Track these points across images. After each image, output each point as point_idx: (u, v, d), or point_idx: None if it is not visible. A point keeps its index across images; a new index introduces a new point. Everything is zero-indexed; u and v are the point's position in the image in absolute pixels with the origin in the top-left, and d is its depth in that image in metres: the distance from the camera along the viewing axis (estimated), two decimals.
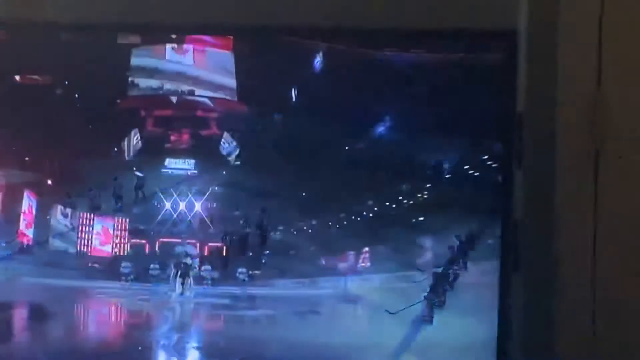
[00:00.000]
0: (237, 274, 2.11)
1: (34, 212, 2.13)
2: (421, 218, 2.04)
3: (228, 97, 2.08)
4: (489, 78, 1.94)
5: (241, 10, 2.09)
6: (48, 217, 2.13)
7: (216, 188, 2.12)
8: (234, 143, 2.08)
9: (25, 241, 2.15)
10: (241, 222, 2.12)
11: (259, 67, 2.07)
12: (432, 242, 2.04)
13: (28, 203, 2.10)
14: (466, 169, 2.00)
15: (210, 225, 2.11)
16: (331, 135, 2.06)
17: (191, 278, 2.08)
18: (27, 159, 2.12)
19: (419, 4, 2.03)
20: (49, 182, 2.12)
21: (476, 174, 1.99)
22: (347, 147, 2.07)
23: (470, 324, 2.00)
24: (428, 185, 2.04)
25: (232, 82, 2.09)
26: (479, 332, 1.99)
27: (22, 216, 2.12)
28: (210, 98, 2.09)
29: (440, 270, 2.04)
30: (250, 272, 2.11)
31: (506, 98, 1.92)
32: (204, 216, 2.12)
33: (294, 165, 2.09)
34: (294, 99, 2.05)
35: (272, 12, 2.08)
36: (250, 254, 2.12)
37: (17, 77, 2.08)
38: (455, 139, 1.99)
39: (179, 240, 2.11)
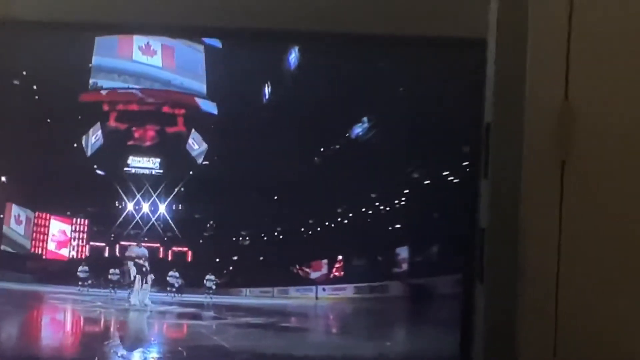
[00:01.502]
0: (204, 281, 1.99)
1: None
2: (386, 226, 2.00)
3: (196, 95, 1.95)
4: (457, 87, 1.90)
5: (212, 12, 2.00)
6: (1, 215, 1.97)
7: (182, 189, 1.99)
8: (202, 141, 1.95)
9: None
10: (208, 225, 1.98)
11: (230, 67, 2.00)
12: (396, 251, 1.98)
13: None
14: (432, 177, 1.96)
15: (175, 229, 1.97)
16: (303, 138, 2.00)
17: (148, 284, 1.96)
18: None
19: (387, 11, 1.98)
20: (3, 179, 1.96)
21: (442, 182, 1.95)
22: (320, 150, 1.99)
23: (435, 335, 1.96)
24: (394, 194, 1.99)
25: (202, 82, 2.00)
26: (443, 343, 1.94)
27: None
28: (177, 94, 1.96)
29: (405, 280, 1.97)
30: (218, 279, 1.98)
31: (474, 107, 1.87)
32: (169, 219, 1.98)
33: (265, 167, 2.00)
34: (265, 100, 1.98)
35: (243, 14, 2.00)
36: (217, 260, 1.99)
37: None
38: (422, 148, 1.95)
39: (134, 244, 1.97)
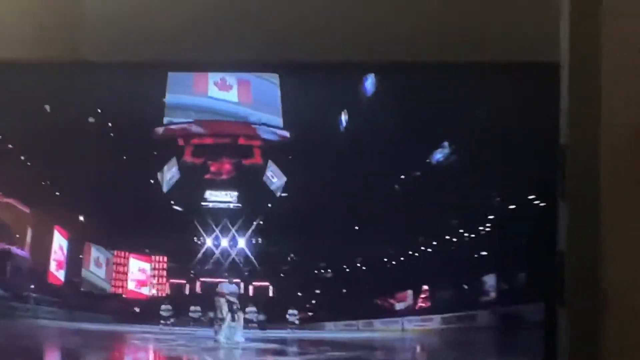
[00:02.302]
0: (287, 316, 1.95)
1: (65, 251, 1.96)
2: (467, 254, 1.94)
3: (272, 126, 1.93)
4: (532, 110, 1.87)
5: (286, 46, 1.98)
6: (80, 256, 1.95)
7: (261, 222, 1.96)
8: (281, 173, 1.92)
9: (55, 283, 1.99)
10: (289, 259, 1.94)
11: (306, 98, 1.96)
12: (479, 278, 1.93)
13: (58, 242, 1.94)
14: (510, 202, 1.91)
15: (256, 263, 1.94)
16: (381, 166, 1.96)
17: (241, 321, 1.93)
18: (57, 193, 1.94)
19: (461, 36, 1.97)
20: (81, 218, 1.95)
21: (520, 207, 1.89)
22: (401, 177, 1.93)
23: None
24: (472, 220, 1.94)
25: (278, 113, 1.97)
26: None
27: (52, 256, 1.93)
28: (252, 125, 1.93)
29: (488, 308, 1.92)
30: (300, 314, 1.94)
31: (549, 129, 1.84)
32: (249, 253, 1.94)
33: (344, 196, 1.95)
34: (342, 129, 1.94)
35: (316, 48, 1.98)
36: (299, 294, 1.95)
37: (48, 109, 1.91)
38: (499, 172, 1.90)
39: (225, 280, 1.93)
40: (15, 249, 1.95)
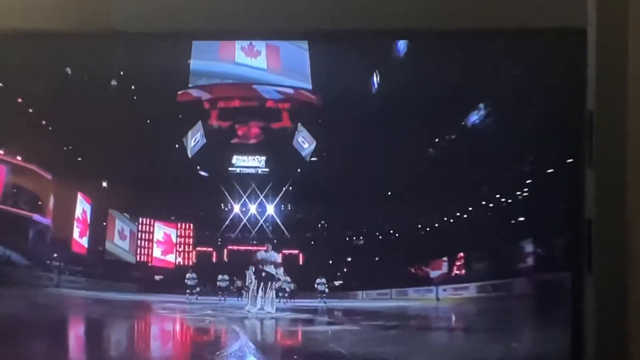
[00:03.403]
0: (317, 285, 1.90)
1: (88, 218, 1.90)
2: (499, 221, 1.89)
3: (301, 89, 1.86)
4: (559, 76, 1.81)
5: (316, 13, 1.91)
6: (104, 223, 1.90)
7: (290, 188, 1.91)
8: (312, 138, 1.86)
9: (79, 251, 1.94)
10: (319, 225, 1.88)
11: (336, 62, 1.88)
12: (513, 246, 1.88)
13: (82, 208, 1.88)
14: (537, 168, 1.85)
15: (285, 230, 1.88)
16: (412, 132, 1.89)
17: (273, 291, 1.87)
18: (80, 159, 1.90)
19: (486, 3, 1.90)
20: (104, 184, 1.89)
21: (547, 173, 1.84)
22: (435, 141, 1.89)
23: (545, 328, 1.85)
24: (499, 187, 1.88)
25: (307, 77, 1.90)
26: (553, 335, 1.82)
27: (75, 223, 1.88)
28: (282, 88, 1.88)
29: (520, 276, 1.87)
30: (331, 282, 1.89)
31: (576, 96, 1.78)
32: (278, 220, 1.88)
33: (377, 161, 1.90)
34: (374, 92, 1.87)
35: (347, 15, 1.91)
36: (330, 262, 1.90)
37: (69, 72, 1.85)
38: (526, 139, 1.85)
39: (261, 248, 1.89)
40: (37, 217, 1.90)
